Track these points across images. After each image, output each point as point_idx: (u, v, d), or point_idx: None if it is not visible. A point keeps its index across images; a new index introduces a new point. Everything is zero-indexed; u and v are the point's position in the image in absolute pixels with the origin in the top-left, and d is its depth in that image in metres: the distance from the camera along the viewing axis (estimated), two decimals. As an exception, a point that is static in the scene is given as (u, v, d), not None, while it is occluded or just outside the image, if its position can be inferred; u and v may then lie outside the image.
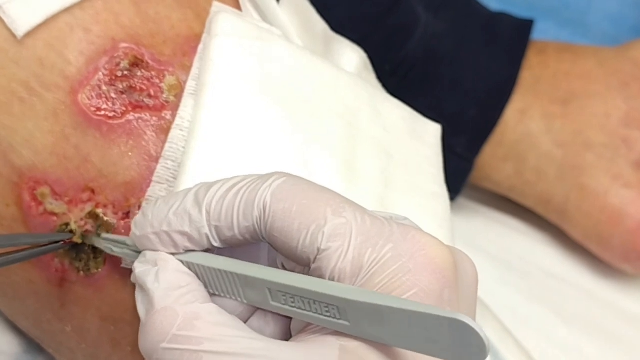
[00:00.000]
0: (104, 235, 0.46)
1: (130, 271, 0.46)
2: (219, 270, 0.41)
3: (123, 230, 0.47)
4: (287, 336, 0.43)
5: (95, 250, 0.47)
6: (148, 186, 0.47)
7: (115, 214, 0.47)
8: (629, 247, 0.70)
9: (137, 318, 0.47)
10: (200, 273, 0.42)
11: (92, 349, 0.50)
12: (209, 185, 0.41)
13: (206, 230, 0.41)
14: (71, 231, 0.47)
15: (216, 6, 0.51)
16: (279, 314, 0.43)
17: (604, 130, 0.70)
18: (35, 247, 0.46)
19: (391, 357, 0.38)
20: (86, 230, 0.47)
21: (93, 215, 0.47)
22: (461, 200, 0.76)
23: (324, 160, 0.49)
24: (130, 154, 0.47)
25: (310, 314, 0.38)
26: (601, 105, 0.70)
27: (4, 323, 0.56)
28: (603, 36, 0.86)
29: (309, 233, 0.39)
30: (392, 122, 0.55)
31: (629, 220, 0.69)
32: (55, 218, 0.47)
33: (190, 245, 0.41)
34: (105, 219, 0.47)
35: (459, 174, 0.71)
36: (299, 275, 0.39)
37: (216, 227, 0.40)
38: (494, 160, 0.72)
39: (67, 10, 0.47)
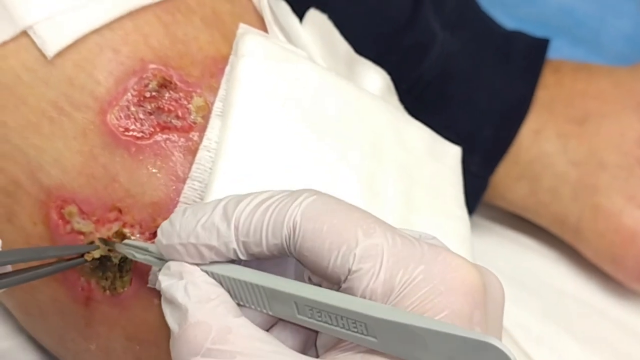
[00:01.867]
0: (127, 241, 0.46)
1: (156, 291, 0.47)
2: (245, 282, 0.41)
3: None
4: (306, 349, 0.44)
5: (121, 269, 0.47)
6: (175, 207, 0.47)
7: (142, 233, 0.47)
8: (642, 268, 0.70)
9: (162, 338, 0.48)
10: (224, 283, 0.42)
11: (117, 368, 0.50)
12: (238, 199, 0.41)
13: (234, 245, 0.41)
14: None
15: (242, 27, 0.51)
16: (298, 326, 0.43)
17: (619, 150, 0.70)
18: (61, 261, 0.46)
19: None
20: (109, 237, 0.47)
21: (120, 235, 0.47)
22: (475, 218, 0.76)
23: (349, 181, 0.50)
24: (158, 174, 0.47)
25: (337, 328, 0.39)
26: (616, 125, 0.70)
27: (26, 340, 0.57)
28: (616, 55, 0.86)
29: (339, 254, 0.39)
30: (413, 144, 0.55)
31: None
32: (82, 237, 0.47)
33: (216, 258, 0.42)
34: (132, 238, 0.47)
35: (474, 193, 0.71)
36: (326, 290, 0.39)
37: (244, 243, 0.41)
38: (509, 179, 0.72)
39: (97, 31, 0.47)
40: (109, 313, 0.48)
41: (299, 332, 0.44)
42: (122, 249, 0.46)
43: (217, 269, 0.42)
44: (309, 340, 0.44)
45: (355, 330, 0.38)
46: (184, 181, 0.47)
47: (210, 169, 0.47)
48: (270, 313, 0.41)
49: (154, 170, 0.47)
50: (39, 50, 0.47)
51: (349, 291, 0.39)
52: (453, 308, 0.38)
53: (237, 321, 0.40)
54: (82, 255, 0.47)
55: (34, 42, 0.47)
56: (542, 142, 0.71)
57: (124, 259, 0.47)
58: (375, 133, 0.53)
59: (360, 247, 0.39)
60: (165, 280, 0.42)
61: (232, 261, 0.42)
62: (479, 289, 0.39)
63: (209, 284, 0.41)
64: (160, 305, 0.46)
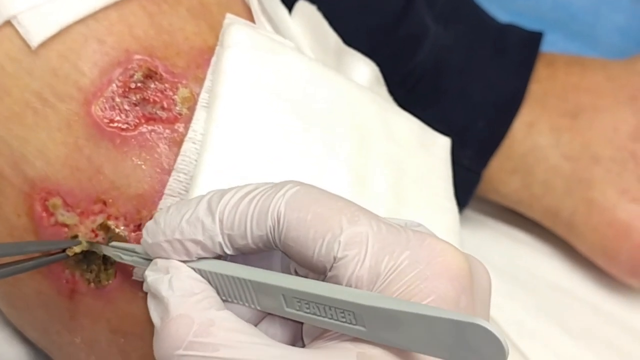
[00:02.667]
0: (113, 243, 0.46)
1: (141, 283, 0.46)
2: (232, 277, 0.41)
3: (134, 242, 0.46)
4: (295, 342, 0.43)
5: (106, 261, 0.47)
6: (160, 199, 0.47)
7: (127, 226, 0.47)
8: (636, 262, 0.70)
9: (147, 330, 0.47)
10: (211, 280, 0.42)
11: (102, 360, 0.50)
12: (222, 193, 0.41)
13: (219, 238, 0.41)
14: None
15: (229, 18, 0.51)
16: (286, 320, 0.43)
17: (612, 144, 0.70)
18: (44, 255, 0.46)
19: None
20: (93, 231, 0.47)
21: (104, 227, 0.47)
22: (468, 212, 0.76)
23: (337, 173, 0.49)
24: (143, 166, 0.47)
25: (326, 319, 0.38)
26: (610, 119, 0.70)
27: (12, 333, 0.56)
28: (611, 48, 0.85)
29: (324, 242, 0.39)
30: (402, 135, 0.55)
31: (636, 235, 0.69)
32: (66, 229, 0.47)
33: (203, 253, 0.41)
34: (117, 230, 0.47)
35: (466, 187, 0.71)
36: (313, 281, 0.39)
37: (229, 236, 0.40)
38: (502, 172, 0.72)
39: (82, 21, 0.47)
40: (94, 306, 0.48)
41: (288, 326, 0.43)
42: (109, 251, 0.46)
43: (204, 265, 0.42)
44: (297, 333, 0.44)
45: (344, 320, 0.38)
46: (169, 173, 0.47)
47: (196, 160, 0.47)
48: (258, 308, 0.41)
49: (139, 162, 0.47)
50: (23, 40, 0.46)
51: (335, 279, 0.39)
52: (439, 293, 0.38)
53: (220, 314, 0.39)
54: (65, 250, 0.46)
55: (17, 32, 0.46)
56: (535, 135, 0.71)
57: (109, 252, 0.47)
58: (363, 125, 0.52)
59: (344, 234, 0.39)
60: (151, 275, 0.42)
61: (219, 257, 0.42)
62: (465, 274, 0.39)
63: (193, 278, 0.41)
64: (145, 298, 0.46)
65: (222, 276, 0.41)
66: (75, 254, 0.46)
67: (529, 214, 0.74)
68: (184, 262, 0.42)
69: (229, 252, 0.41)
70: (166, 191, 0.47)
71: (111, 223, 0.47)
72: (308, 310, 0.39)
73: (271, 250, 0.43)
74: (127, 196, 0.47)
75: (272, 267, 0.44)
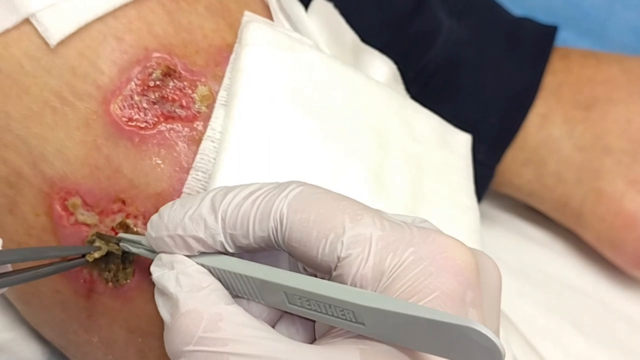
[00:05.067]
0: (121, 234, 0.46)
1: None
2: (235, 273, 0.41)
3: (153, 241, 0.46)
4: (314, 342, 0.43)
5: (124, 261, 0.47)
6: (179, 197, 0.47)
7: (146, 224, 0.46)
8: (641, 253, 0.70)
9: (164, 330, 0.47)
10: (215, 274, 0.42)
11: (119, 360, 0.50)
12: (226, 191, 0.41)
13: (221, 237, 0.41)
14: (94, 241, 0.47)
15: (247, 15, 0.51)
16: (306, 319, 0.43)
17: (625, 136, 0.70)
18: (63, 260, 0.46)
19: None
20: (113, 228, 0.47)
21: (123, 226, 0.47)
22: (480, 207, 0.75)
23: (355, 172, 0.49)
24: (161, 165, 0.47)
25: (327, 316, 0.39)
26: (623, 111, 0.70)
27: (28, 331, 0.56)
28: (623, 47, 0.85)
29: (327, 242, 0.39)
30: (422, 133, 0.55)
31: None
32: (86, 228, 0.47)
33: (204, 250, 0.41)
34: (136, 229, 0.47)
35: (480, 182, 0.70)
36: (313, 279, 0.39)
37: (231, 235, 0.41)
38: (515, 164, 0.72)
39: (100, 19, 0.47)
40: (111, 305, 0.48)
41: (308, 326, 0.43)
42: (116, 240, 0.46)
43: (207, 260, 0.42)
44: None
45: (344, 317, 0.38)
46: (187, 171, 0.47)
47: (215, 159, 0.47)
48: (263, 302, 0.41)
49: (157, 161, 0.47)
50: (42, 39, 0.46)
51: (340, 279, 0.39)
52: (444, 289, 0.38)
53: (229, 309, 0.39)
54: (84, 255, 0.46)
55: (36, 31, 0.46)
56: (548, 126, 0.71)
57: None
58: (382, 122, 0.52)
59: (347, 234, 0.39)
60: (156, 271, 0.42)
61: (222, 252, 0.42)
62: (471, 269, 0.39)
63: (200, 272, 0.41)
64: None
65: (225, 272, 0.41)
66: (95, 259, 0.46)
67: (540, 206, 0.74)
68: (188, 256, 0.42)
69: (230, 250, 0.41)
70: (185, 190, 0.47)
71: (130, 222, 0.47)
72: (309, 307, 0.39)
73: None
74: (146, 195, 0.47)
75: (279, 263, 0.44)
